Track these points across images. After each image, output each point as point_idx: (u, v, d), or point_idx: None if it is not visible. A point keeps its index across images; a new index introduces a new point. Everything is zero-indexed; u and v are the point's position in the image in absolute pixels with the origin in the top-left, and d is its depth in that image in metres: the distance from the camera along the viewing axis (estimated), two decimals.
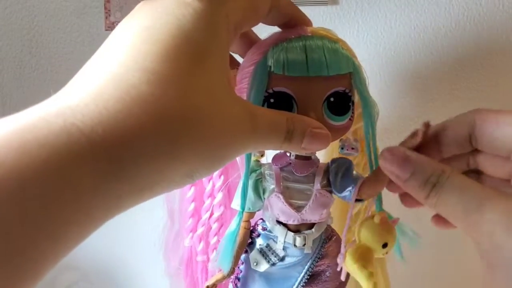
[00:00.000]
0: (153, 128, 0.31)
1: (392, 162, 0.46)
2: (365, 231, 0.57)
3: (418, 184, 0.44)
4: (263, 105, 0.54)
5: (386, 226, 0.57)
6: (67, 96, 0.32)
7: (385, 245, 0.57)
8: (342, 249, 0.58)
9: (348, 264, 0.58)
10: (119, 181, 0.31)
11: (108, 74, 0.33)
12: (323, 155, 0.69)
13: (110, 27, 0.80)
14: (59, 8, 0.84)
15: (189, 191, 0.66)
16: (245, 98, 0.56)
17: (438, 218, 0.52)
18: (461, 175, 0.43)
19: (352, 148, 0.60)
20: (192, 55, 0.35)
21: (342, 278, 0.59)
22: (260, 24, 0.51)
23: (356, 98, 0.58)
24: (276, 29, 0.57)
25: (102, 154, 0.30)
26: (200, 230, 0.67)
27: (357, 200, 0.58)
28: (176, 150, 0.33)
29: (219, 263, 0.60)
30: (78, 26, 0.84)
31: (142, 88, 0.32)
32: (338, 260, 0.58)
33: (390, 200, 0.60)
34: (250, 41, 0.57)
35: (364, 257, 0.57)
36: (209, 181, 0.65)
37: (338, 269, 0.59)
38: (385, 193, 0.59)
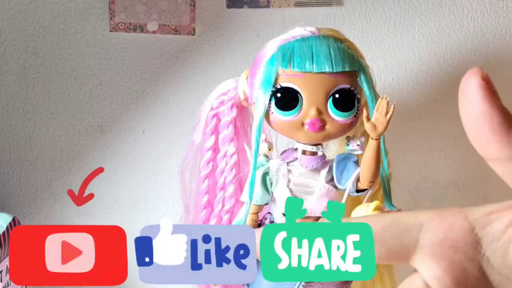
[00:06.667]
0: None
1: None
2: (355, 215, 0.58)
3: None
4: (270, 100, 0.59)
5: None
6: None
7: None
8: None
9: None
10: None
11: None
12: (331, 152, 0.70)
13: (115, 28, 0.80)
14: (64, 9, 0.84)
15: (202, 184, 0.68)
16: (255, 93, 0.60)
17: None
18: None
19: (358, 145, 0.62)
20: None
21: None
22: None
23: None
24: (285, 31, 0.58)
25: None
26: (212, 221, 0.69)
27: (361, 191, 0.61)
28: None
29: None
30: (83, 27, 0.84)
31: None
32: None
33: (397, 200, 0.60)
34: None
35: None
36: (221, 174, 0.67)
37: None
38: (393, 193, 0.60)
